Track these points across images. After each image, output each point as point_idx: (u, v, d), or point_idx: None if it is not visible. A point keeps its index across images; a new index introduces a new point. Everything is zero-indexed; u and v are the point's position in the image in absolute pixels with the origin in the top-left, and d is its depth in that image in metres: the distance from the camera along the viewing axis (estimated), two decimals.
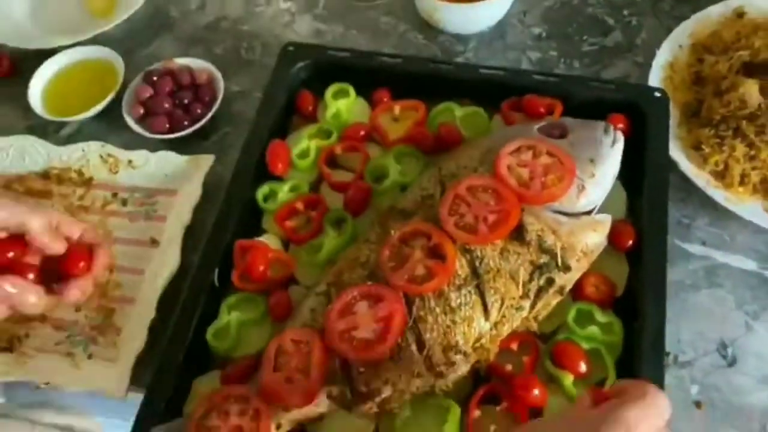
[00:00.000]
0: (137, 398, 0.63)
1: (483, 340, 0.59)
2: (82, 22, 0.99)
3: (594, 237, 0.63)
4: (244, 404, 0.57)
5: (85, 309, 0.74)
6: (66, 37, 0.95)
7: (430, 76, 0.80)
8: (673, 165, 0.72)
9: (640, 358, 0.58)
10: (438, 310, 0.59)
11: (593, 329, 0.61)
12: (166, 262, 0.73)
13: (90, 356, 0.71)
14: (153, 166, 0.82)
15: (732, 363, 0.64)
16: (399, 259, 0.61)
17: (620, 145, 0.67)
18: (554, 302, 0.62)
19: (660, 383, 0.57)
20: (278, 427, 0.58)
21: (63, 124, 0.90)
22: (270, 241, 0.71)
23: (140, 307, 0.71)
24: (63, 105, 0.89)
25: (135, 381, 0.67)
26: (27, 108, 0.89)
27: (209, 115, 0.85)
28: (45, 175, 0.84)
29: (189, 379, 0.64)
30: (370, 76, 0.81)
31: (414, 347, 0.58)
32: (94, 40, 0.93)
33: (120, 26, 0.95)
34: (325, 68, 0.83)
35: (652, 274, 0.62)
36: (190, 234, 0.76)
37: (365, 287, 0.60)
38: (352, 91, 0.81)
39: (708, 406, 0.61)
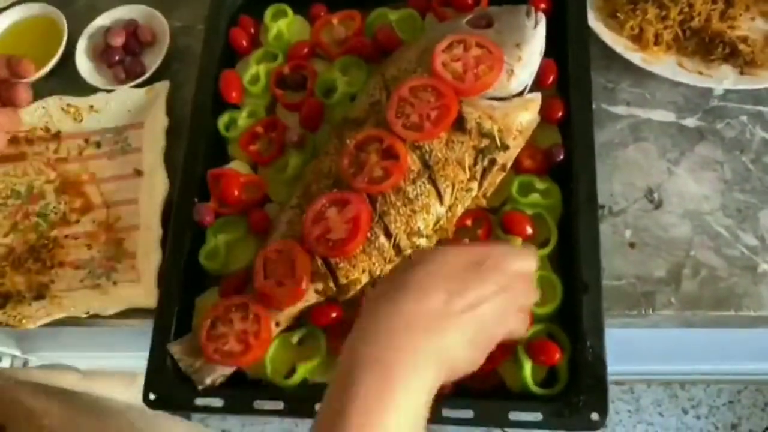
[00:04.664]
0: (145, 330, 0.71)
1: (441, 222, 0.67)
2: None
3: (526, 115, 0.69)
4: (244, 311, 0.66)
5: (95, 246, 0.81)
6: None
7: None
8: (593, 35, 0.77)
9: (576, 214, 0.66)
10: (398, 203, 0.66)
11: (534, 196, 0.68)
12: (156, 185, 0.80)
13: (115, 283, 0.78)
14: (114, 105, 0.87)
15: (658, 205, 0.72)
16: (357, 165, 0.67)
17: (542, 26, 0.72)
18: (498, 179, 0.69)
19: (596, 233, 0.65)
20: (277, 324, 0.66)
21: None
22: (238, 166, 0.76)
23: (146, 230, 0.79)
24: None
25: None
26: None
27: (158, 62, 0.88)
28: (14, 140, 0.88)
29: (191, 298, 0.72)
30: None
31: (383, 238, 0.65)
32: None
33: None
34: None
35: (580, 139, 0.69)
36: (168, 164, 0.81)
37: (332, 195, 0.67)
38: (289, 10, 0.84)
39: (640, 245, 0.70)
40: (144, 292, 0.75)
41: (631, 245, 0.71)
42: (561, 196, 0.69)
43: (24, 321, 0.76)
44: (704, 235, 0.70)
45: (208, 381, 0.66)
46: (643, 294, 0.68)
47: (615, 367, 0.63)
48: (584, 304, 0.63)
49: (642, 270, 0.69)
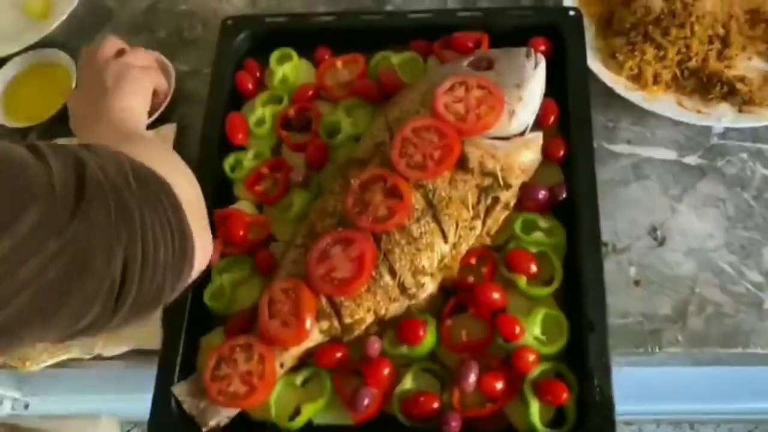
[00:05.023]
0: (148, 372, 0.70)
1: (445, 261, 0.67)
2: (22, 27, 1.01)
3: (528, 154, 0.70)
4: (249, 351, 0.65)
5: None
6: (10, 45, 0.98)
7: (363, 28, 0.86)
8: (593, 75, 0.79)
9: (580, 252, 0.66)
10: (403, 242, 0.66)
11: (538, 234, 0.68)
12: None
13: None
14: None
15: (662, 243, 0.72)
16: (362, 204, 0.68)
17: (542, 67, 0.73)
18: (502, 217, 0.69)
19: (600, 270, 0.65)
20: (281, 365, 0.66)
21: (27, 131, 0.93)
22: (244, 206, 0.77)
23: None
24: (25, 112, 0.93)
25: None
26: None
27: (165, 103, 0.88)
28: None
29: (196, 339, 0.71)
30: (309, 37, 0.86)
31: (387, 277, 0.66)
32: (39, 44, 0.96)
33: (61, 26, 0.98)
34: (266, 36, 0.88)
35: (583, 177, 0.70)
36: None
37: (337, 233, 0.67)
38: (294, 54, 0.85)
39: (645, 282, 0.70)
40: (148, 333, 0.75)
41: (636, 283, 0.71)
42: (565, 234, 0.69)
43: (28, 363, 0.76)
44: (709, 272, 0.70)
45: (212, 423, 0.65)
46: (650, 332, 0.68)
47: (624, 406, 0.62)
48: (590, 342, 0.63)
49: (647, 307, 0.69)
